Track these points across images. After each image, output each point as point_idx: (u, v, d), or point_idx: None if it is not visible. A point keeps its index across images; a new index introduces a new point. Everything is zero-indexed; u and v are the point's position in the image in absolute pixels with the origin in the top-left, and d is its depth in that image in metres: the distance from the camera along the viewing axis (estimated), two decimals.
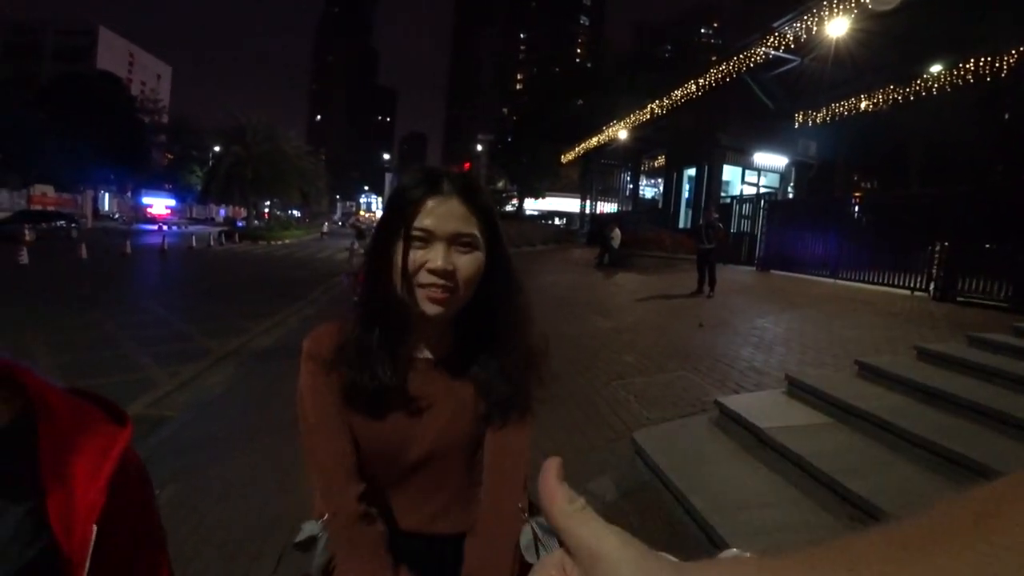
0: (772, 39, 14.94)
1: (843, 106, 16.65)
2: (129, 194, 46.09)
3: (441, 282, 0.79)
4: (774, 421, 3.13)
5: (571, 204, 42.12)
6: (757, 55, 15.55)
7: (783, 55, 15.47)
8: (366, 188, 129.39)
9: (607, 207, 33.03)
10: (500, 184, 44.90)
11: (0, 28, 52.90)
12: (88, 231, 26.68)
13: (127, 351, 5.98)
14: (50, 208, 28.41)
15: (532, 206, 45.71)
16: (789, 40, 14.51)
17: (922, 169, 18.70)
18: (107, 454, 0.67)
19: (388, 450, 0.87)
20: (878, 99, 15.76)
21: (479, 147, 56.15)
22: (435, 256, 0.79)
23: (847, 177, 20.48)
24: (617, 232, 15.44)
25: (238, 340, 6.70)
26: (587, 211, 33.14)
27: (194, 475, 3.11)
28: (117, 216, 43.77)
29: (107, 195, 45.10)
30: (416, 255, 0.80)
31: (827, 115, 17.13)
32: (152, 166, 45.39)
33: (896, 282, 9.31)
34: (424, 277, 0.79)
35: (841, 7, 12.37)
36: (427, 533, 0.91)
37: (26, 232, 18.57)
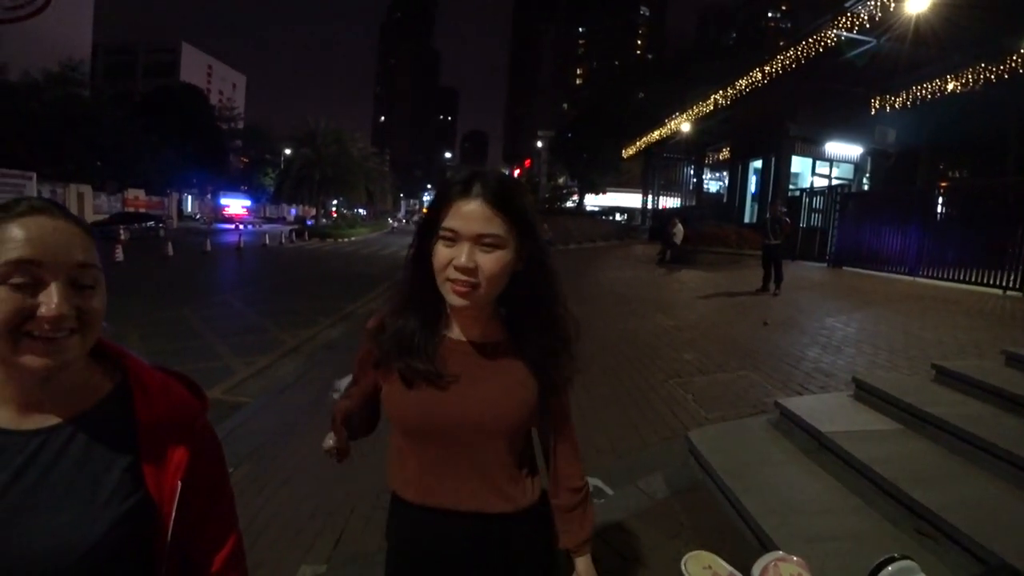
0: (844, 20, 14.01)
1: (926, 88, 15.35)
2: (209, 196, 49.43)
3: (464, 278, 0.86)
4: (837, 425, 2.99)
5: (632, 199, 41.32)
6: (828, 38, 14.63)
7: (857, 36, 14.46)
8: (429, 186, 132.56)
9: (669, 202, 32.14)
10: (561, 180, 44.73)
11: (101, 52, 57.96)
12: (174, 231, 28.90)
13: (208, 341, 6.48)
14: (141, 210, 30.98)
15: (593, 202, 45.23)
16: (864, 20, 13.54)
17: (1020, 154, 16.94)
18: (189, 421, 0.79)
19: (433, 426, 0.94)
20: (967, 79, 14.39)
21: (539, 143, 56.07)
22: (459, 254, 0.86)
23: (932, 166, 18.84)
24: (679, 227, 15.04)
25: (308, 332, 7.11)
26: (649, 206, 32.39)
27: (264, 458, 3.35)
28: (198, 216, 47.06)
29: (190, 197, 48.58)
30: (445, 252, 0.88)
31: (907, 99, 15.86)
32: (230, 170, 48.47)
33: (985, 280, 8.57)
34: (451, 273, 0.87)
35: None
36: (476, 512, 0.96)
37: (121, 232, 20.35)
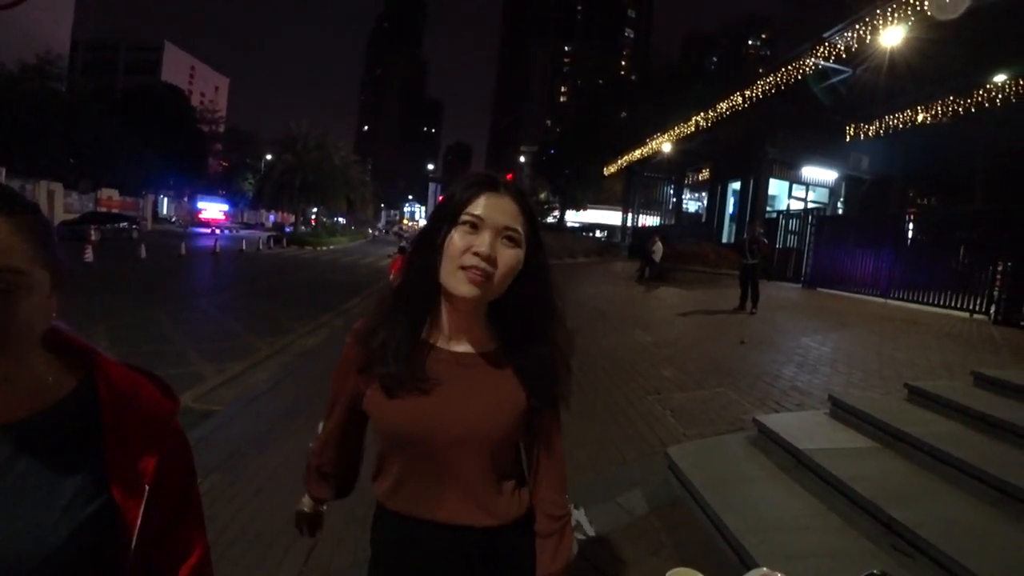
0: (822, 49, 14.51)
1: (898, 118, 15.96)
2: (186, 199, 48.51)
3: (483, 266, 0.84)
4: (815, 443, 3.02)
5: (613, 217, 41.80)
6: (807, 66, 15.13)
7: (834, 66, 15.00)
8: (410, 197, 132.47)
9: (649, 220, 32.61)
10: (543, 195, 45.02)
11: (81, 47, 56.85)
12: (148, 233, 28.26)
13: (179, 346, 6.30)
14: (115, 211, 30.18)
15: (574, 218, 45.57)
16: (840, 50, 14.05)
17: (986, 185, 17.64)
18: (159, 425, 0.73)
19: (417, 435, 0.90)
20: (937, 110, 15.02)
21: (522, 158, 56.54)
22: (482, 242, 0.85)
23: (903, 193, 19.53)
24: (659, 245, 15.24)
25: (283, 340, 6.96)
26: (629, 224, 32.81)
27: (235, 468, 3.24)
28: (174, 219, 46.09)
29: (166, 199, 47.58)
30: (465, 239, 0.86)
31: (881, 128, 16.46)
32: (208, 173, 47.73)
33: (954, 304, 8.82)
34: (468, 259, 0.85)
35: (896, 16, 11.87)
36: (457, 524, 0.92)
37: (92, 232, 19.80)
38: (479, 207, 0.86)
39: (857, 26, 13.07)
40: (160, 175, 37.35)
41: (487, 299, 0.89)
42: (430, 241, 0.90)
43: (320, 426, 1.09)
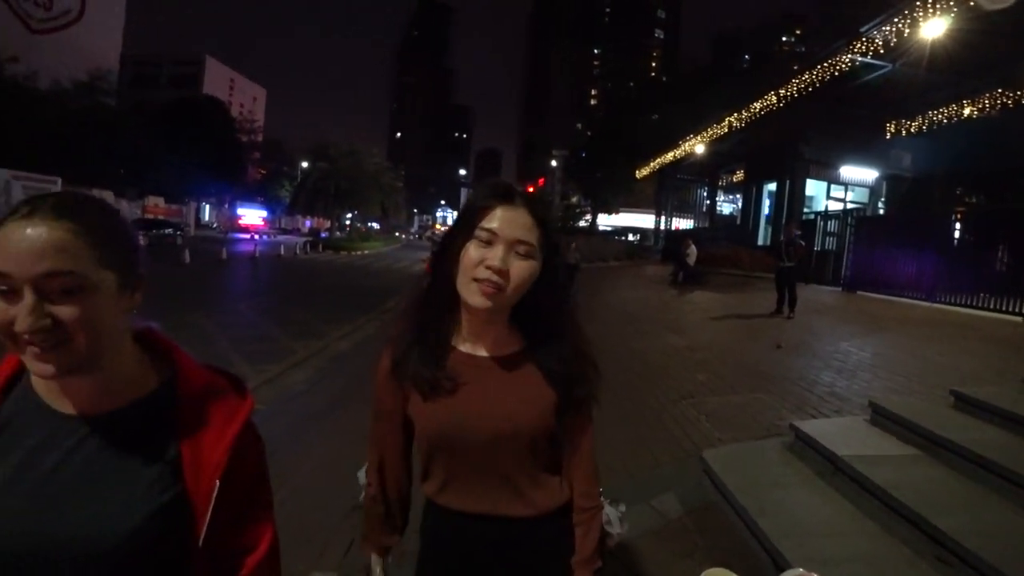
0: (859, 45, 14.08)
1: (942, 113, 15.35)
2: (226, 206, 50.23)
3: (495, 279, 0.87)
4: (853, 449, 2.95)
5: (645, 220, 41.38)
6: (843, 62, 14.70)
7: (872, 61, 14.52)
8: (442, 202, 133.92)
9: (682, 223, 32.18)
10: (574, 199, 44.85)
11: (128, 63, 59.63)
12: (191, 238, 29.36)
13: (221, 348, 6.54)
14: (160, 217, 31.61)
15: (606, 221, 45.23)
16: (879, 45, 13.59)
17: None
18: (232, 421, 0.78)
19: (451, 436, 0.95)
20: (984, 104, 14.39)
21: (553, 162, 56.46)
22: (494, 255, 0.88)
23: (948, 191, 18.71)
24: (692, 248, 15.01)
25: (319, 343, 7.15)
26: (661, 227, 32.41)
27: (274, 465, 3.33)
28: (215, 225, 47.84)
29: (207, 206, 49.43)
30: (478, 252, 0.89)
31: (923, 123, 15.86)
32: (247, 180, 49.27)
33: (1004, 307, 8.43)
34: (480, 272, 0.88)
35: (938, 7, 11.42)
36: (500, 515, 0.98)
37: (140, 238, 20.66)
38: (493, 220, 0.89)
39: (896, 19, 12.62)
40: (202, 183, 38.81)
41: (501, 310, 0.93)
42: (449, 251, 0.94)
43: (361, 474, 1.12)
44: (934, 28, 11.69)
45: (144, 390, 0.75)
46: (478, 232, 0.89)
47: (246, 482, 0.79)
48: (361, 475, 1.13)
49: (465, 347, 0.99)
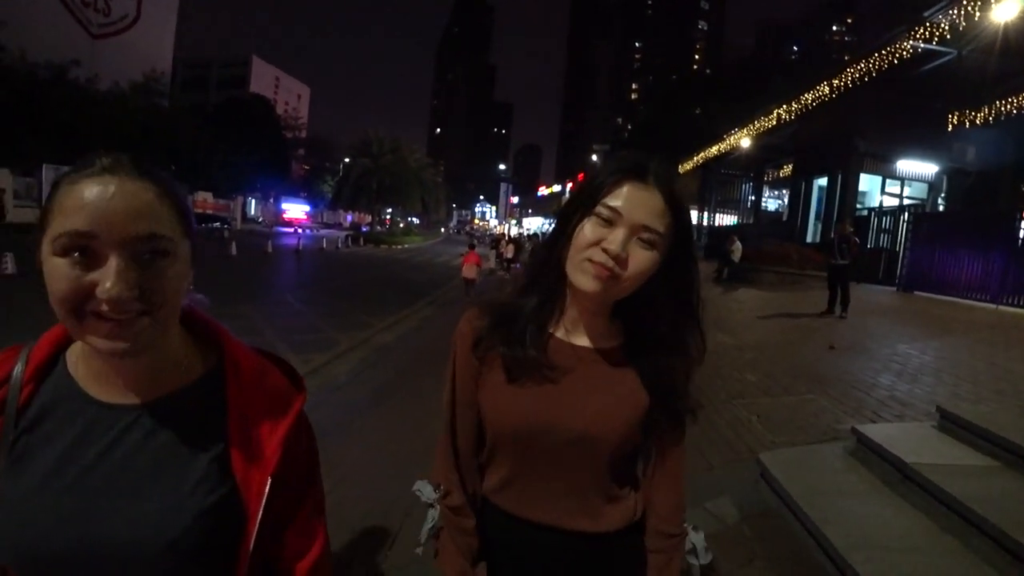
0: (922, 31, 13.30)
1: (1011, 103, 14.31)
2: (271, 200, 51.83)
3: (610, 264, 0.77)
4: (924, 457, 2.77)
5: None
6: (903, 50, 13.92)
7: (936, 47, 13.70)
8: (480, 198, 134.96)
9: (726, 219, 31.23)
10: None
11: (179, 65, 62.21)
12: (237, 232, 30.41)
13: (268, 338, 6.72)
14: (209, 211, 32.86)
15: None
16: (944, 30, 12.81)
17: None
18: (285, 413, 0.69)
19: (532, 429, 0.85)
20: None
21: (594, 157, 55.88)
22: (614, 238, 0.77)
23: (1015, 186, 17.54)
24: (738, 245, 14.59)
25: (362, 335, 7.26)
26: (705, 223, 31.62)
27: (320, 455, 3.41)
28: (261, 220, 49.40)
29: (253, 201, 51.10)
30: (596, 231, 0.78)
31: (990, 114, 14.85)
32: (292, 176, 50.77)
33: None
34: (595, 254, 0.77)
35: None
36: (562, 528, 0.88)
37: None
38: (619, 198, 0.77)
39: (964, 2, 11.87)
40: (248, 179, 40.24)
41: (612, 298, 0.83)
42: (562, 227, 0.83)
43: (423, 486, 0.98)
44: (1007, 10, 10.92)
45: (190, 376, 0.68)
46: (599, 208, 0.78)
47: (299, 480, 0.72)
48: (424, 487, 0.97)
49: (559, 333, 0.89)
